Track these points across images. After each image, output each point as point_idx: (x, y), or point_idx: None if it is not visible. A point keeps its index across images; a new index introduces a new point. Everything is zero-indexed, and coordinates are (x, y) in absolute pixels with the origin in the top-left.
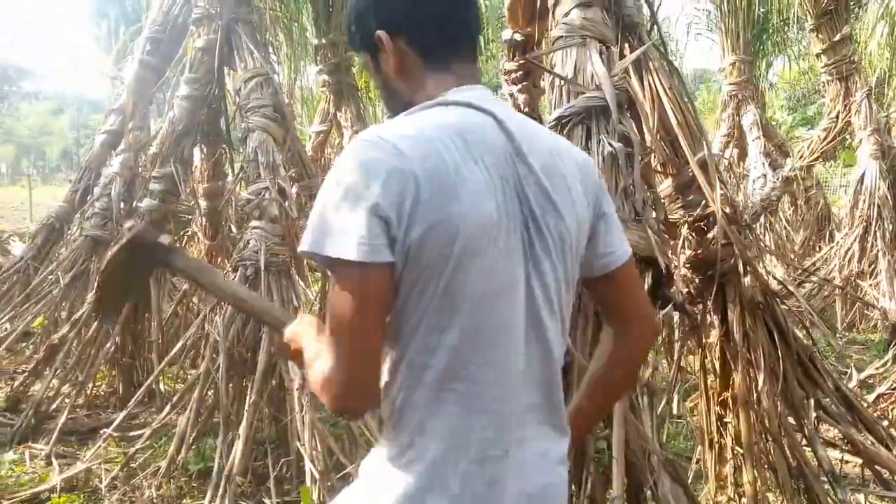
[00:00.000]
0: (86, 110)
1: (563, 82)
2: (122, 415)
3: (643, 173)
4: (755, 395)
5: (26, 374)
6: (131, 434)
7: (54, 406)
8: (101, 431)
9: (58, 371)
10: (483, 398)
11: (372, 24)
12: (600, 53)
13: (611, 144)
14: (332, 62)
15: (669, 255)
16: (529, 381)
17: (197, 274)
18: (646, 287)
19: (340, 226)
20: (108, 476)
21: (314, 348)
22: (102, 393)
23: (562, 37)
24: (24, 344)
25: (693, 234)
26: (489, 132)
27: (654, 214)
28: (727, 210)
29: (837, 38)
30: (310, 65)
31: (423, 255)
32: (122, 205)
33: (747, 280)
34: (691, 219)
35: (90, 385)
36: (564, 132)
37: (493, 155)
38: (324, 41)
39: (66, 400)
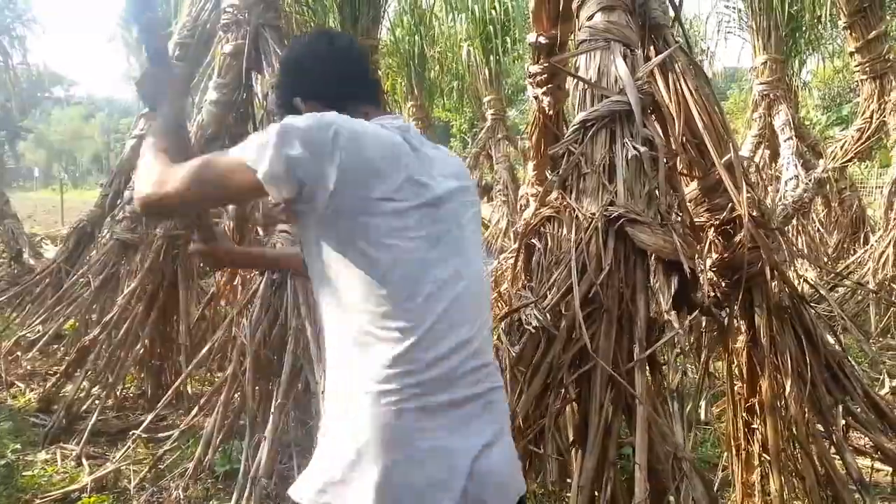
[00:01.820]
0: (116, 115)
1: (586, 86)
2: (150, 416)
3: (668, 176)
4: (782, 401)
5: (58, 375)
6: (159, 435)
7: (85, 407)
8: (130, 433)
9: (88, 373)
10: None
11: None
12: (624, 57)
13: (635, 148)
14: None
15: (695, 258)
16: None
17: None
18: (671, 292)
19: None
20: (137, 477)
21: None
22: (131, 395)
23: (586, 40)
24: (55, 346)
25: (720, 238)
26: None
27: (678, 218)
28: (754, 213)
29: (872, 35)
30: None
31: None
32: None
33: (774, 284)
34: (718, 222)
35: (120, 387)
36: (588, 135)
37: None
38: None
39: (97, 401)
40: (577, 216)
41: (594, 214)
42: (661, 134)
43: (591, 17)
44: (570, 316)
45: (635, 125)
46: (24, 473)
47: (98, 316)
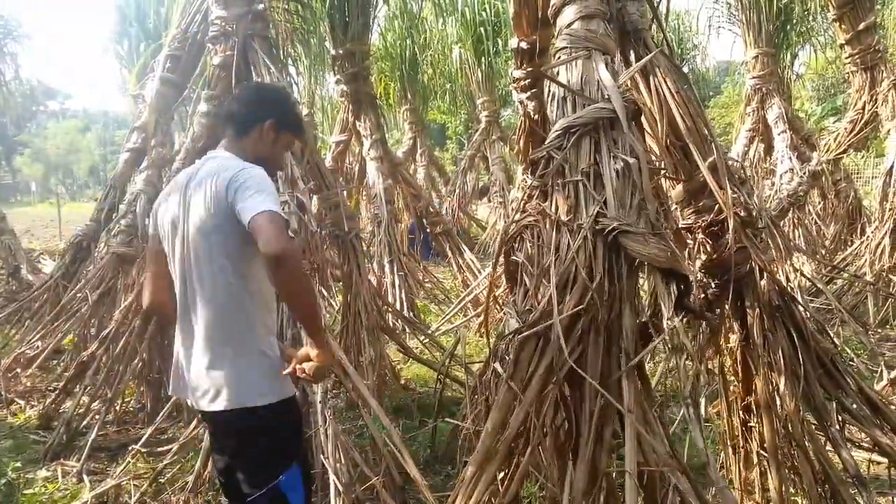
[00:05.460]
0: (111, 127)
1: (567, 93)
2: (149, 430)
3: (654, 184)
4: (777, 399)
5: (57, 392)
6: (160, 449)
7: (85, 423)
8: (130, 447)
9: (87, 388)
10: None
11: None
12: (605, 65)
13: (623, 158)
14: (349, 72)
15: (687, 264)
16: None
17: None
18: (672, 300)
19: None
20: (138, 491)
21: None
22: (131, 409)
23: (565, 48)
24: (55, 361)
25: (708, 239)
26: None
27: (664, 225)
28: (740, 213)
29: (861, 27)
30: (329, 74)
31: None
32: (146, 221)
33: (764, 283)
34: (705, 224)
35: (119, 401)
36: (571, 142)
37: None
38: (341, 51)
39: (97, 417)
40: (560, 225)
41: (582, 225)
42: (644, 141)
43: (569, 25)
44: (565, 327)
45: (620, 133)
46: (25, 491)
47: (96, 330)
